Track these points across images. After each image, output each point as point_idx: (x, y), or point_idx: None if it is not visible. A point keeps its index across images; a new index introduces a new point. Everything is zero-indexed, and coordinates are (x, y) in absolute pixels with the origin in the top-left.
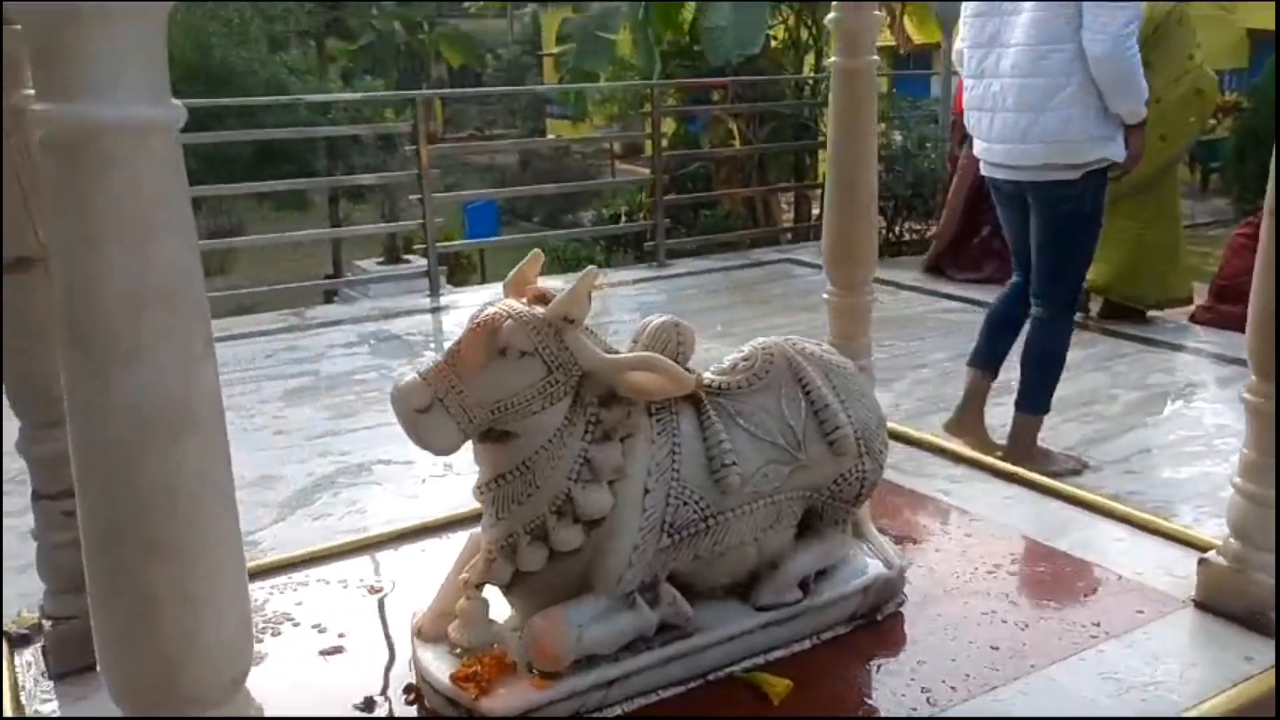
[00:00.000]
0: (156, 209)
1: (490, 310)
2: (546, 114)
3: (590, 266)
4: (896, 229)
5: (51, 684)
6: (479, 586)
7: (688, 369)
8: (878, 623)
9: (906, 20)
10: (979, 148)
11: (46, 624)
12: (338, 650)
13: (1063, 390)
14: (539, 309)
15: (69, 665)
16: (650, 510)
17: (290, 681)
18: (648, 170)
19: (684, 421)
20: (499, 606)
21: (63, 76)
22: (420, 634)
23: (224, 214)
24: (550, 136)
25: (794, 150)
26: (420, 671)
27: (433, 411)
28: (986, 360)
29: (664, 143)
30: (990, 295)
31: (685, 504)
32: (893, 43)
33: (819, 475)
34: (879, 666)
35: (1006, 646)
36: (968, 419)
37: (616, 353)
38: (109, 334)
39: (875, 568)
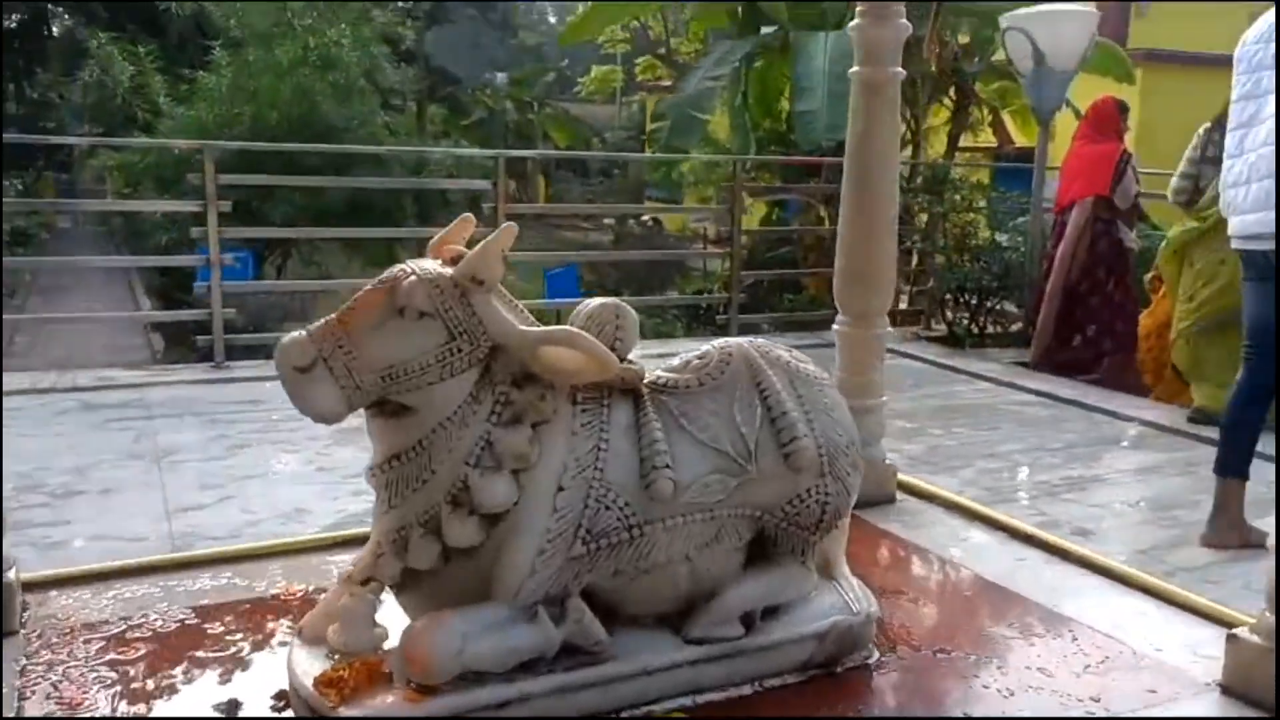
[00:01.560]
0: None
1: (395, 269)
2: (645, 197)
3: (507, 224)
4: (980, 320)
5: None
6: (365, 583)
7: (627, 361)
8: (835, 675)
9: (1008, 119)
10: (1233, 225)
11: None
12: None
13: (1145, 492)
14: (447, 269)
15: None
16: (563, 511)
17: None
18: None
19: (617, 417)
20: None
21: None
22: (301, 633)
23: (314, 264)
24: (645, 217)
25: None
26: (289, 673)
27: (315, 371)
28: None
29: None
30: (1092, 395)
31: (607, 508)
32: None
33: (771, 492)
34: None
35: (981, 716)
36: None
37: (535, 326)
38: None
39: (837, 612)
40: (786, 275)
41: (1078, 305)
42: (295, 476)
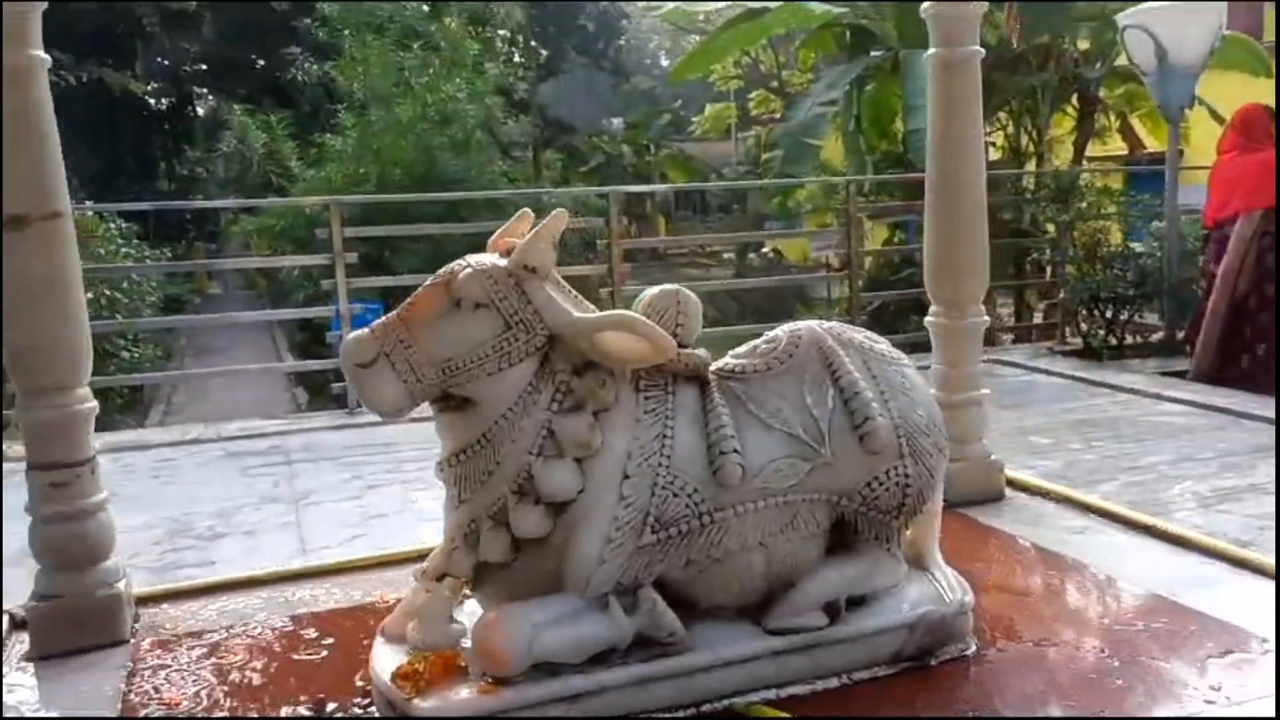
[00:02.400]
0: None
1: (453, 264)
2: (765, 229)
3: (557, 210)
4: (1119, 330)
5: (30, 665)
6: (440, 580)
7: (690, 347)
8: (929, 667)
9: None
10: None
11: (32, 604)
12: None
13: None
14: (502, 260)
15: (49, 648)
16: (630, 499)
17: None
18: (860, 281)
19: (682, 403)
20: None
21: None
22: (383, 632)
23: None
24: (765, 249)
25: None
26: (371, 669)
27: (377, 366)
28: None
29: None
30: (1251, 402)
31: (675, 495)
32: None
33: (848, 476)
34: None
35: (1087, 708)
36: None
37: (592, 313)
38: None
39: (929, 602)
40: (910, 296)
41: (1245, 322)
42: (423, 514)
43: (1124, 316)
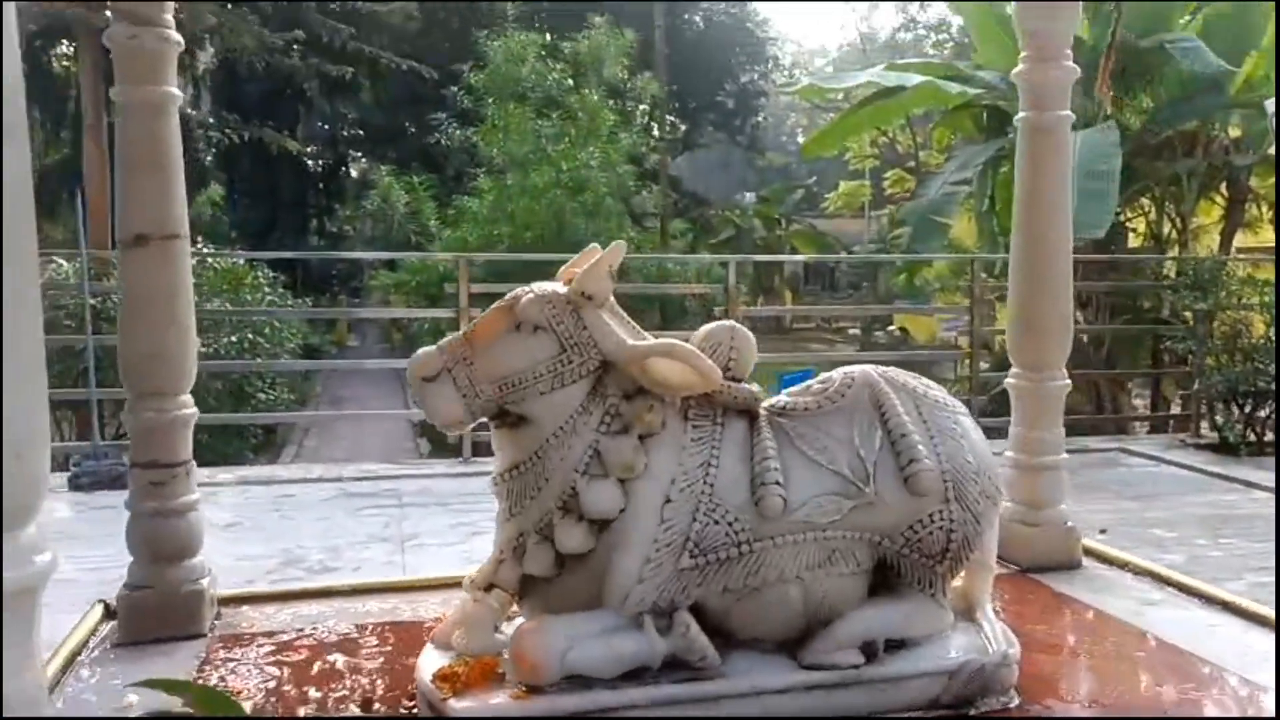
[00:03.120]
0: None
1: (518, 289)
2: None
3: (616, 242)
4: (1258, 426)
5: (113, 650)
6: (488, 590)
7: (742, 380)
8: (968, 718)
9: None
10: None
11: (124, 592)
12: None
13: None
14: (563, 288)
15: (134, 635)
16: (670, 522)
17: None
18: (986, 362)
19: (730, 435)
20: None
21: None
22: (433, 638)
23: None
24: (892, 327)
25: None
26: (416, 671)
27: (440, 381)
28: None
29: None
30: None
31: (715, 523)
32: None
33: (891, 517)
34: None
35: None
36: None
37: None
38: None
39: (971, 651)
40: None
41: None
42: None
43: (1264, 412)
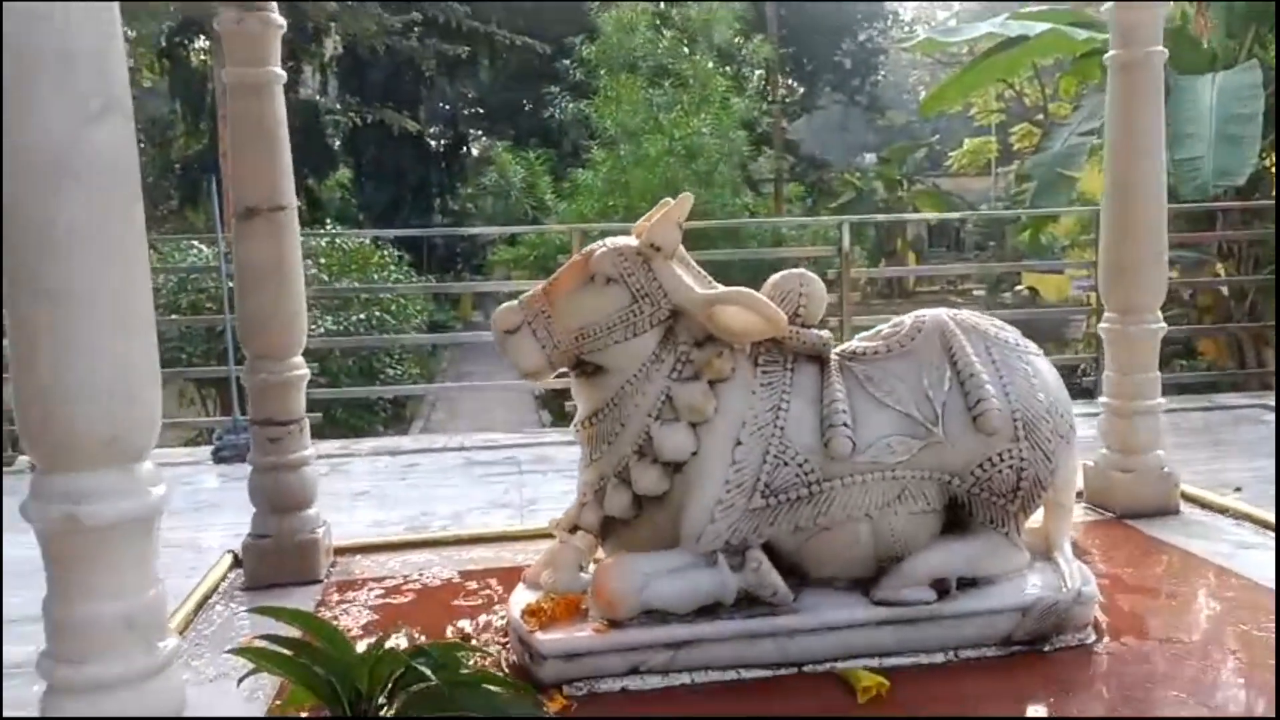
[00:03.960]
0: None
1: (592, 245)
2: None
3: (684, 194)
4: None
5: (239, 594)
6: (572, 531)
7: (812, 327)
8: (1042, 654)
9: None
10: None
11: (248, 539)
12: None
13: None
14: (634, 241)
15: (257, 580)
16: (741, 464)
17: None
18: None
19: (800, 380)
20: None
21: None
22: (524, 579)
23: None
24: (1020, 286)
25: None
26: (508, 607)
27: (521, 333)
28: None
29: None
30: None
31: (785, 464)
32: None
33: (960, 456)
34: (1022, 703)
35: (1184, 702)
36: None
37: (714, 288)
38: (16, 101)
39: (1043, 588)
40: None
41: None
42: None
43: None
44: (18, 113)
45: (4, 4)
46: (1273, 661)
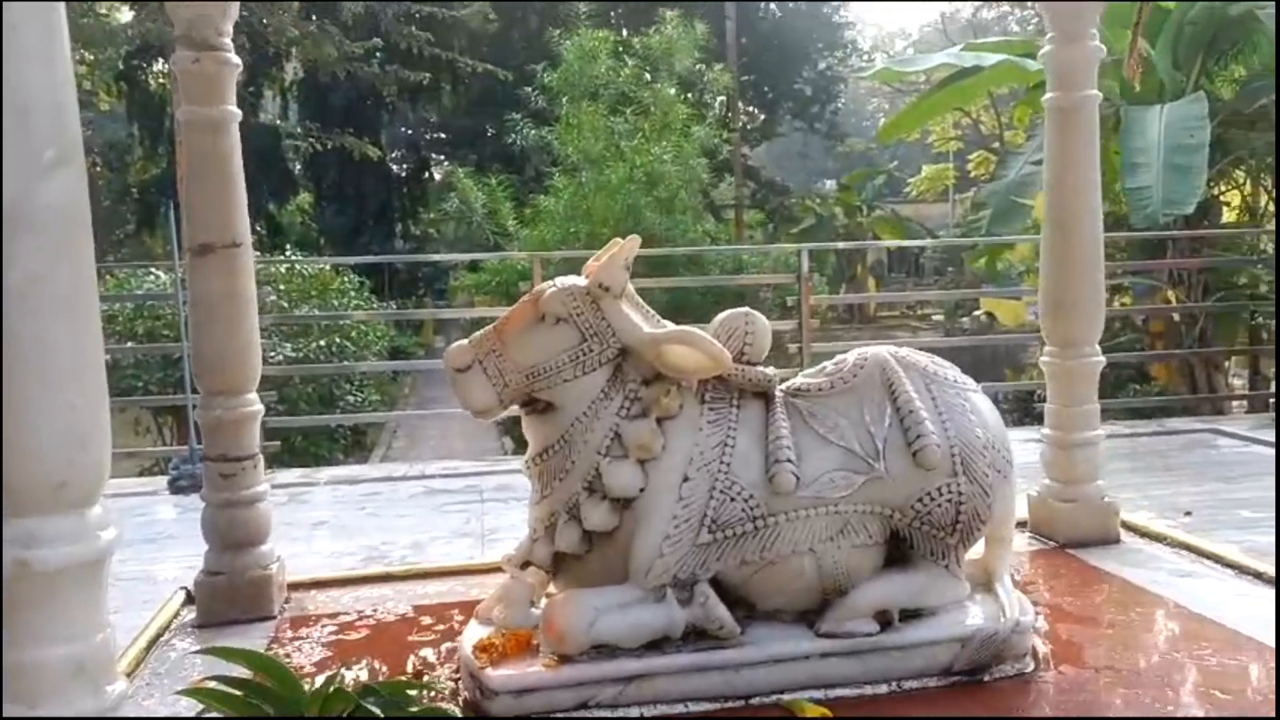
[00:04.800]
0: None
1: (542, 284)
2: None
3: (631, 236)
4: None
5: (192, 631)
6: (523, 567)
7: (757, 364)
8: (981, 684)
9: None
10: None
11: (200, 577)
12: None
13: None
14: (582, 281)
15: (210, 617)
16: (688, 500)
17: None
18: None
19: (746, 416)
20: None
21: None
22: (477, 614)
23: None
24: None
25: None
26: (459, 643)
27: (472, 371)
28: None
29: None
30: None
31: (731, 499)
32: None
33: (901, 491)
34: None
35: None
36: None
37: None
38: None
39: (981, 619)
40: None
41: None
42: None
43: None
44: None
45: None
46: (1209, 689)
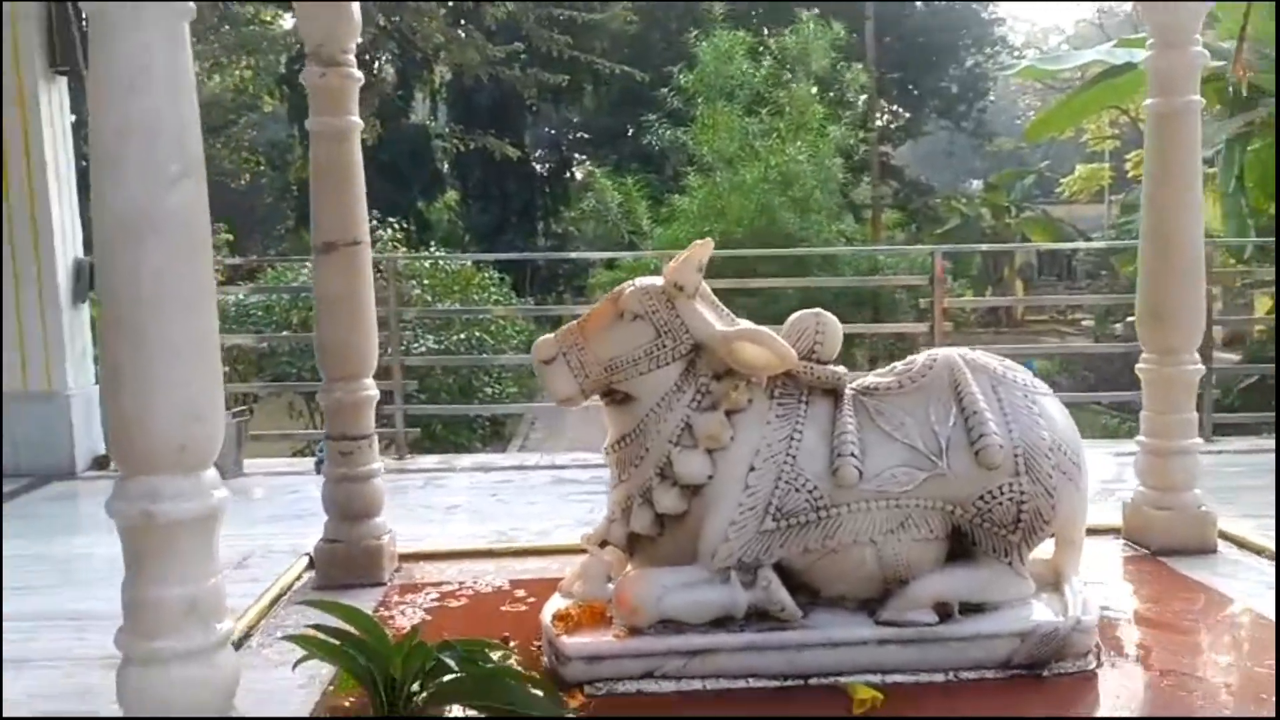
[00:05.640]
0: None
1: (624, 284)
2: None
3: (704, 239)
4: None
5: (311, 593)
6: (602, 545)
7: (828, 363)
8: (1039, 678)
9: None
10: None
11: (320, 544)
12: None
13: None
14: (659, 281)
15: (327, 581)
16: (754, 489)
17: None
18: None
19: (815, 412)
20: None
21: None
22: (560, 587)
23: None
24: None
25: None
26: (542, 613)
27: (556, 363)
28: None
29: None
30: None
31: (796, 490)
32: None
33: (962, 488)
34: None
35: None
36: None
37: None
38: (106, 161)
39: (1042, 615)
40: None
41: None
42: None
43: None
44: (110, 177)
45: (99, 80)
46: (1265, 694)
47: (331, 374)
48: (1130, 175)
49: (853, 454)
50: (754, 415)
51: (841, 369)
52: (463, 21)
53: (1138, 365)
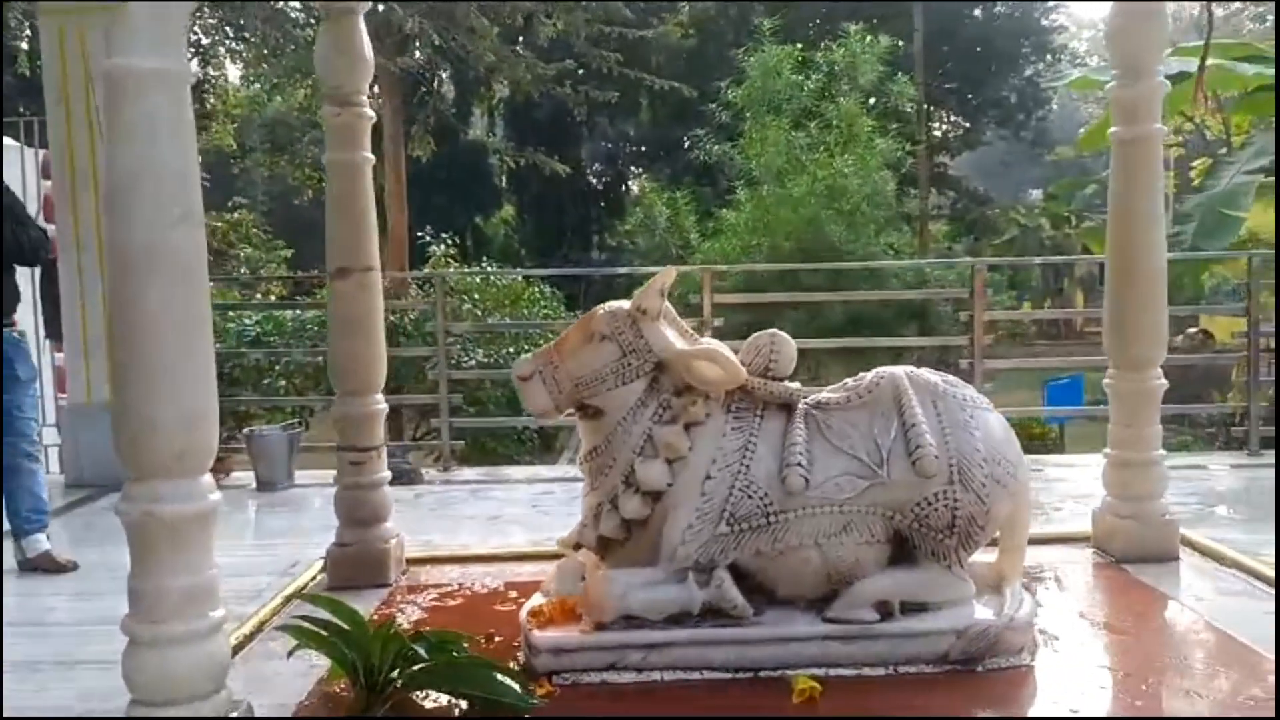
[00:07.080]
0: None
1: (596, 308)
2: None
3: (667, 267)
4: None
5: (324, 592)
6: (576, 548)
7: (780, 379)
8: (975, 673)
9: None
10: None
11: (332, 547)
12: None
13: None
14: (626, 304)
15: (338, 581)
16: (709, 495)
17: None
18: None
19: (768, 425)
20: None
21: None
22: (542, 587)
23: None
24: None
25: None
26: (521, 610)
27: (533, 380)
28: None
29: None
30: None
31: (749, 497)
32: None
33: (901, 495)
34: (942, 711)
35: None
36: None
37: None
38: (119, 207)
39: (977, 613)
40: None
41: None
42: None
43: None
44: (120, 217)
45: (115, 130)
46: (1192, 691)
47: (343, 388)
48: (1195, 184)
49: (800, 464)
50: (711, 428)
51: (795, 385)
52: (519, 39)
53: (1104, 380)
